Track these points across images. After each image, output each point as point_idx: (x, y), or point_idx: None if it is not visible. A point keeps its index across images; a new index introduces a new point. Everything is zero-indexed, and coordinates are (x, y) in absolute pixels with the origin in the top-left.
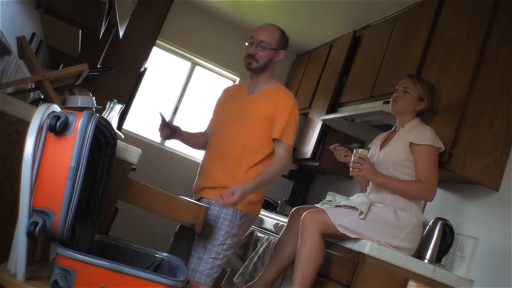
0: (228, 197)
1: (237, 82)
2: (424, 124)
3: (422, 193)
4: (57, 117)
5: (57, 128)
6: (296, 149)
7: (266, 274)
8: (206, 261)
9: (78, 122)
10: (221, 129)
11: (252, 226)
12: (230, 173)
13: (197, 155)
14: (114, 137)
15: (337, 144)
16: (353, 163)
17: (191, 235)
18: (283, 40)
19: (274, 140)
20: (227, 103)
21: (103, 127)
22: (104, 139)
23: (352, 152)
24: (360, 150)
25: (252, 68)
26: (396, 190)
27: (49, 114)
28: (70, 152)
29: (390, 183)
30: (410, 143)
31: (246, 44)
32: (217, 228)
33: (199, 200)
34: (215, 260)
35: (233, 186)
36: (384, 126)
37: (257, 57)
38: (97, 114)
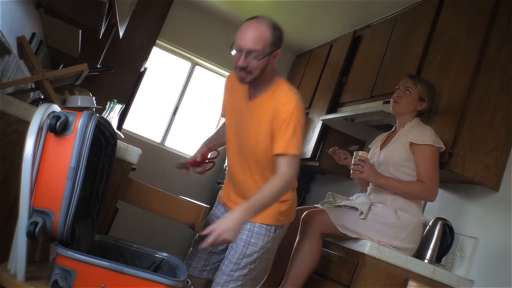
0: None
1: None
2: (424, 124)
3: (424, 193)
4: (57, 117)
5: (57, 128)
6: None
7: (271, 279)
8: (237, 279)
9: (78, 122)
10: (235, 134)
11: None
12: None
13: None
14: (114, 137)
15: (336, 148)
16: (353, 165)
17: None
18: (276, 38)
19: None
20: (233, 101)
21: (103, 127)
22: (104, 139)
23: (351, 154)
24: (360, 152)
25: (247, 82)
26: (398, 191)
27: (49, 114)
28: (70, 152)
29: (392, 185)
30: (411, 143)
31: (233, 52)
32: (251, 243)
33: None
34: (245, 277)
35: (214, 224)
36: (384, 126)
37: (250, 68)
38: (97, 114)
